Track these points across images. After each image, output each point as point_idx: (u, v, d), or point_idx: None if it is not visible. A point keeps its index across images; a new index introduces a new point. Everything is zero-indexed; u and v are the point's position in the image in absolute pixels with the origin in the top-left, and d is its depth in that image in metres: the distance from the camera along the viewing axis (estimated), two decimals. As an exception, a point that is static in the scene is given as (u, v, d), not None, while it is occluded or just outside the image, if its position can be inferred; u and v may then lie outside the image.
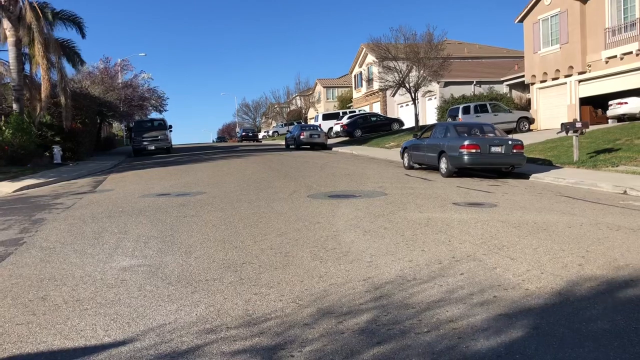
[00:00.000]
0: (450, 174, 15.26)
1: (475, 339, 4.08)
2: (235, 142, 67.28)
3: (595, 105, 26.69)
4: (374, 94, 48.12)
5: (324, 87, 67.44)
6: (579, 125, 16.36)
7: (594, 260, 6.20)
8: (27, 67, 26.44)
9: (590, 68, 25.47)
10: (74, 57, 29.17)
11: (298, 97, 70.18)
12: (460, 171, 15.40)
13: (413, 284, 5.43)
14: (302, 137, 32.83)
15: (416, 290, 5.23)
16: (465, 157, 14.78)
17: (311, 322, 4.48)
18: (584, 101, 26.60)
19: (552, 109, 28.21)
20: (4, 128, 21.27)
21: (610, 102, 24.40)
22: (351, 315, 4.62)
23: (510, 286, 5.32)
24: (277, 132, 66.12)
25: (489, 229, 8.01)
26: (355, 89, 55.40)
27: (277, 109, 74.98)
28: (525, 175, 15.34)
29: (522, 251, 6.67)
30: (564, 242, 7.11)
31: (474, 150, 14.76)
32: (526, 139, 19.71)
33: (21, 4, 23.30)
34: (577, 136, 16.58)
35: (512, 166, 15.46)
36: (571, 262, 6.16)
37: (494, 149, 14.97)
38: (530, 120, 28.34)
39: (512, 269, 5.92)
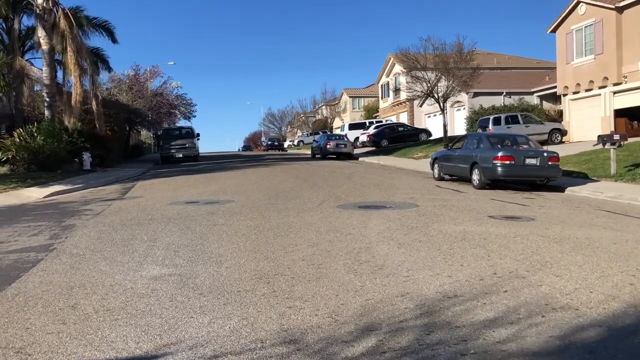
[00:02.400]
0: (482, 186, 14.90)
1: (527, 363, 3.81)
2: (261, 151, 67.51)
3: (630, 117, 25.97)
4: (401, 104, 47.79)
5: (350, 96, 67.31)
6: (616, 137, 15.85)
7: (646, 280, 5.86)
8: (59, 74, 26.91)
9: (626, 79, 24.78)
10: (103, 64, 29.66)
11: (324, 107, 70.17)
12: (493, 183, 15.03)
13: (455, 301, 5.16)
14: (328, 146, 32.67)
15: (459, 308, 4.97)
16: (499, 169, 14.41)
17: (350, 340, 4.26)
18: (619, 113, 25.90)
19: (585, 120, 27.54)
20: (35, 134, 21.57)
21: (646, 114, 23.71)
22: (392, 333, 4.38)
23: (559, 306, 5.02)
24: (302, 141, 66.12)
25: (529, 243, 7.69)
26: (381, 98, 55.13)
27: (303, 118, 75.07)
28: (560, 188, 14.89)
29: (567, 268, 6.35)
30: (610, 260, 6.76)
31: (508, 162, 14.39)
32: (559, 151, 19.11)
33: (55, 12, 23.71)
34: (614, 149, 16.06)
35: (547, 179, 15.02)
36: (621, 280, 5.82)
37: (528, 161, 14.58)
38: (563, 132, 27.73)
39: (559, 287, 5.61)
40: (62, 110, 26.06)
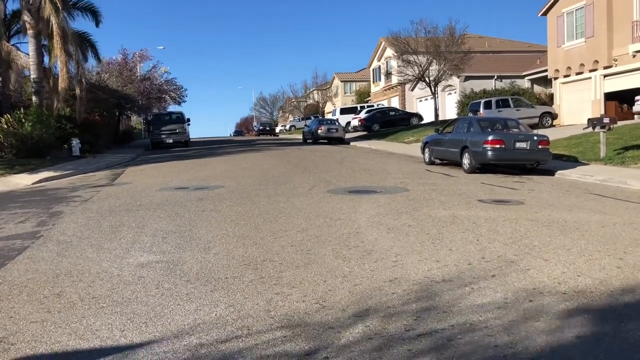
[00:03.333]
0: (473, 170, 14.90)
1: (513, 348, 3.81)
2: (253, 136, 67.26)
3: (621, 100, 26.01)
4: (392, 88, 47.64)
5: (341, 81, 66.99)
6: (606, 120, 15.87)
7: (634, 263, 5.88)
8: (46, 59, 26.54)
9: (616, 62, 24.77)
10: (90, 49, 29.22)
11: (315, 92, 69.83)
12: (483, 167, 15.03)
13: (443, 286, 5.16)
14: (319, 131, 32.56)
15: (447, 293, 4.96)
16: (489, 153, 14.41)
17: (337, 326, 4.24)
18: (610, 96, 25.94)
19: (576, 104, 27.58)
20: (23, 120, 21.29)
21: (637, 98, 23.70)
22: (380, 319, 4.37)
23: (546, 290, 5.03)
24: (294, 126, 65.83)
25: (518, 227, 7.70)
26: (373, 83, 54.92)
27: (295, 103, 74.71)
28: (550, 172, 14.92)
29: (555, 252, 6.36)
30: (598, 243, 6.78)
31: (498, 146, 14.38)
32: (549, 134, 19.11)
33: (41, -4, 23.31)
34: (604, 132, 16.08)
35: (537, 162, 15.03)
36: (609, 264, 5.84)
37: (518, 145, 14.57)
38: (553, 116, 27.76)
39: (547, 270, 5.61)
40: (50, 95, 25.75)
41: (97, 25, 28.31)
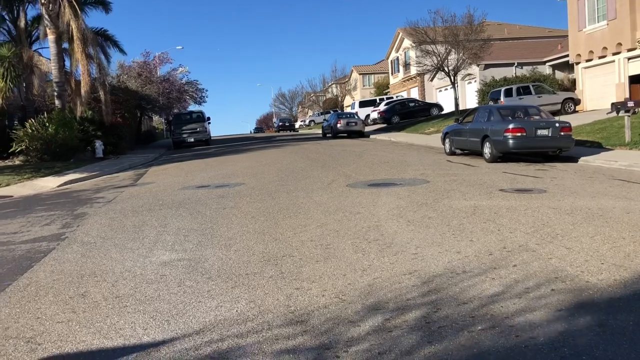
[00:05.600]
0: (494, 159, 14.74)
1: (534, 337, 3.77)
2: (273, 132, 67.46)
3: (646, 83, 25.42)
4: (411, 79, 47.31)
5: (360, 74, 66.76)
6: (631, 104, 15.56)
7: (659, 249, 5.76)
8: (67, 62, 26.95)
9: (640, 44, 24.21)
10: (112, 44, 29.53)
11: (334, 85, 69.79)
12: (504, 156, 14.84)
13: (463, 277, 5.13)
14: (339, 125, 32.51)
15: (467, 284, 4.93)
16: (510, 141, 14.22)
17: (357, 320, 4.25)
18: (634, 79, 25.33)
19: (599, 88, 27.02)
20: (47, 124, 21.70)
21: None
22: (399, 312, 4.37)
23: (569, 278, 4.96)
24: (313, 121, 65.89)
25: (540, 216, 7.60)
26: (392, 74, 54.60)
27: (313, 97, 74.73)
28: (573, 159, 14.68)
29: (578, 240, 6.27)
30: (623, 230, 6.66)
31: (519, 134, 14.19)
32: (572, 120, 18.84)
33: (60, 0, 23.65)
34: (629, 116, 15.75)
35: (560, 150, 14.80)
36: (634, 251, 5.73)
37: (540, 132, 14.36)
38: (576, 101, 27.25)
39: (569, 259, 5.54)
40: (72, 99, 26.17)
41: (106, 12, 28.52)
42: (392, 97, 46.55)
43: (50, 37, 23.80)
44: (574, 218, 7.42)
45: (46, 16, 23.71)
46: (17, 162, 21.77)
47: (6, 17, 26.19)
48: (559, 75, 33.63)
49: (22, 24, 26.08)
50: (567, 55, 30.34)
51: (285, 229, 7.57)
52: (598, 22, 26.37)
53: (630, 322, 3.98)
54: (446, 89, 40.01)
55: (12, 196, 13.73)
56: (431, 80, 39.61)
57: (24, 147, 21.55)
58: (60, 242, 7.56)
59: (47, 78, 28.05)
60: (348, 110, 51.54)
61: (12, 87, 22.09)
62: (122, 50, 31.14)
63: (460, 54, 31.21)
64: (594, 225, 6.97)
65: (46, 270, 6.15)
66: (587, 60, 27.60)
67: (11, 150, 21.83)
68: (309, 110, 78.88)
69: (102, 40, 28.33)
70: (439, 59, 31.93)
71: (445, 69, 31.93)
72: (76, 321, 4.54)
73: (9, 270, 6.25)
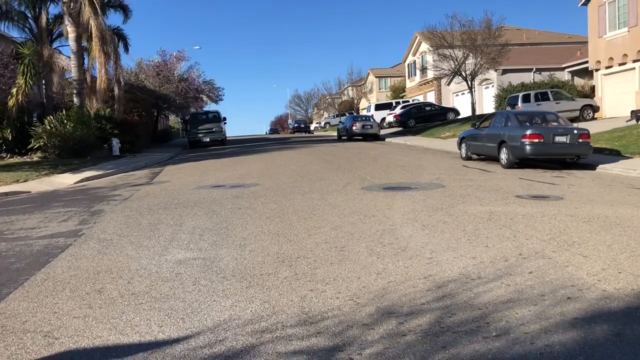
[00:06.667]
0: (511, 165, 14.64)
1: (549, 345, 3.74)
2: (288, 133, 67.58)
3: (666, 91, 25.08)
4: (428, 83, 47.17)
5: (376, 76, 66.67)
6: (651, 112, 15.33)
7: (678, 259, 5.68)
8: (86, 60, 27.28)
9: (661, 52, 23.91)
10: (122, 43, 29.93)
11: (350, 88, 69.75)
12: (521, 162, 14.74)
13: (478, 282, 5.10)
14: (354, 128, 32.49)
15: (482, 289, 4.91)
16: (528, 148, 14.12)
17: (370, 323, 4.24)
18: (654, 87, 25.04)
19: (619, 96, 26.71)
20: (65, 121, 21.97)
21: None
22: (413, 315, 4.35)
23: (585, 287, 4.91)
24: (328, 123, 65.93)
25: (557, 223, 7.53)
26: (408, 78, 54.47)
27: (329, 100, 74.75)
28: (591, 166, 14.53)
29: (595, 248, 6.21)
30: (641, 239, 6.58)
31: (536, 140, 14.08)
32: (591, 127, 18.66)
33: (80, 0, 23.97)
34: (648, 124, 15.55)
35: (578, 157, 14.66)
36: (652, 261, 5.66)
37: (558, 139, 14.24)
38: (595, 109, 26.97)
39: (586, 267, 5.48)
40: (89, 96, 26.47)
41: (125, 20, 29.05)
42: (408, 101, 46.44)
43: (71, 35, 24.13)
44: (591, 226, 7.35)
45: (67, 15, 24.03)
46: (35, 159, 22.07)
47: (28, 14, 26.57)
48: (578, 81, 33.30)
49: (43, 21, 26.42)
50: (586, 62, 30.04)
51: (300, 231, 7.59)
52: (619, 28, 26.10)
53: (648, 332, 3.93)
54: (463, 94, 39.83)
55: (30, 192, 13.92)
56: (448, 84, 39.49)
57: (42, 143, 21.85)
58: (77, 239, 7.65)
59: (66, 76, 28.43)
60: (364, 113, 51.47)
61: (31, 84, 22.39)
62: (127, 49, 31.62)
63: (478, 59, 31.05)
64: (611, 233, 6.90)
65: (63, 266, 6.22)
66: (607, 67, 27.32)
67: (30, 146, 22.14)
68: (325, 112, 78.93)
69: (119, 38, 28.70)
70: (456, 63, 31.80)
71: (463, 73, 31.79)
72: (92, 317, 4.59)
73: (27, 265, 6.34)
